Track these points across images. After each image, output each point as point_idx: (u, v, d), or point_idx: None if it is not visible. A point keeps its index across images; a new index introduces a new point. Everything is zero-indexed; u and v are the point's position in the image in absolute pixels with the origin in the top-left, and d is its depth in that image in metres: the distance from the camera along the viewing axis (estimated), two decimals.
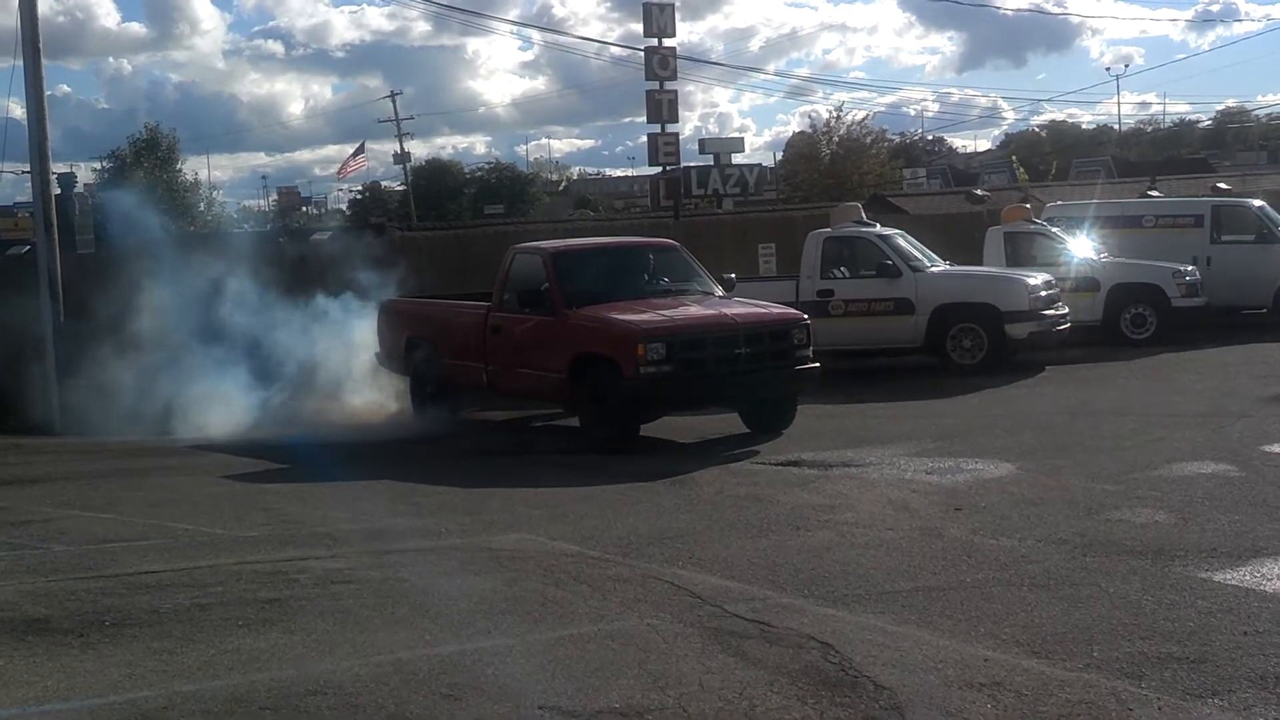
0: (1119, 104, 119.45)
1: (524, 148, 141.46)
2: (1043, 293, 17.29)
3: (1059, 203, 25.14)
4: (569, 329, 12.48)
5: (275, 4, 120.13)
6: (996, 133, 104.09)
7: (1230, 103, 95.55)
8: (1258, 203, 22.60)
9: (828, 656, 5.78)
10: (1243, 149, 75.14)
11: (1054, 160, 66.04)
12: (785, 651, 5.88)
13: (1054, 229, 20.82)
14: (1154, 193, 26.13)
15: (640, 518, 9.09)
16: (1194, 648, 5.73)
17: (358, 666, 5.88)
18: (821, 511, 9.00)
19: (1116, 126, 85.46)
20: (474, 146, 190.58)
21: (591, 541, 8.31)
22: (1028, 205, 23.18)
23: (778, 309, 13.02)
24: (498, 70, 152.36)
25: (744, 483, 10.34)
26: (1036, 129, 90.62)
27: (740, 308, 12.73)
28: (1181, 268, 19.72)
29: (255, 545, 8.58)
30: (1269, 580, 6.79)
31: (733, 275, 14.30)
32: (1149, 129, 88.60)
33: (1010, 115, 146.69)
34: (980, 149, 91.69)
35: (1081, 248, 20.32)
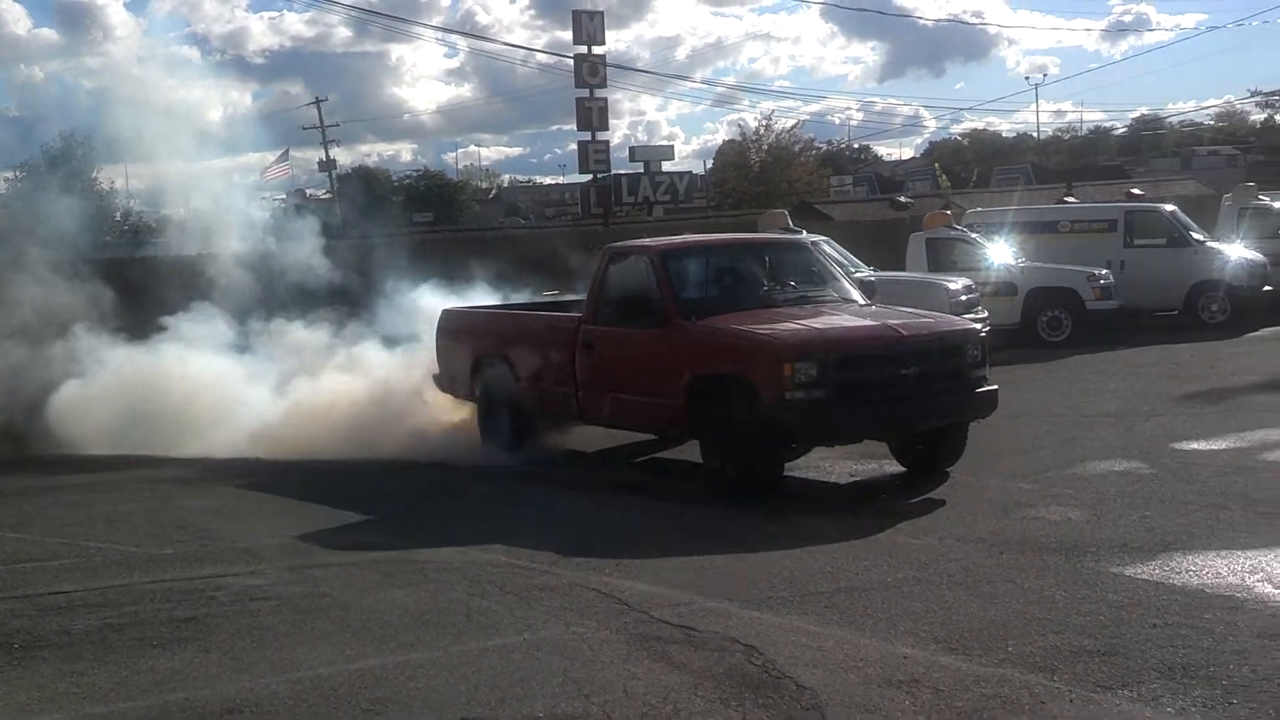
0: (1037, 112, 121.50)
1: (452, 155, 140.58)
2: (963, 297, 17.53)
3: (979, 209, 25.51)
4: (687, 344, 10.11)
5: (191, 10, 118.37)
6: (920, 141, 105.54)
7: (1144, 111, 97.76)
8: (1169, 208, 23.10)
9: (751, 659, 5.81)
10: (1157, 156, 76.75)
11: (975, 167, 67.02)
12: (710, 655, 5.91)
13: (974, 235, 21.14)
14: (1070, 199, 26.61)
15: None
16: (1105, 641, 5.85)
17: (275, 684, 5.81)
18: (733, 517, 9.07)
19: (1035, 134, 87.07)
20: (400, 154, 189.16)
21: (519, 551, 8.28)
22: (949, 212, 23.51)
23: (948, 319, 10.87)
24: (423, 77, 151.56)
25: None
26: (959, 137, 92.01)
27: (901, 317, 10.45)
28: (1096, 271, 20.11)
29: (171, 563, 8.42)
30: (1177, 574, 6.94)
31: (872, 277, 13.47)
32: (1066, 137, 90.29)
33: (932, 124, 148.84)
34: (905, 157, 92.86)
35: (1000, 253, 20.65)
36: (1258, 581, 6.73)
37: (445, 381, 13.04)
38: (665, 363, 10.22)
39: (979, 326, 10.60)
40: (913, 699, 5.28)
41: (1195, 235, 21.98)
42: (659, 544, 8.35)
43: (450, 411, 13.22)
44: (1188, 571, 6.99)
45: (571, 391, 11.25)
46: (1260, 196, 24.60)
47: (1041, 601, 6.53)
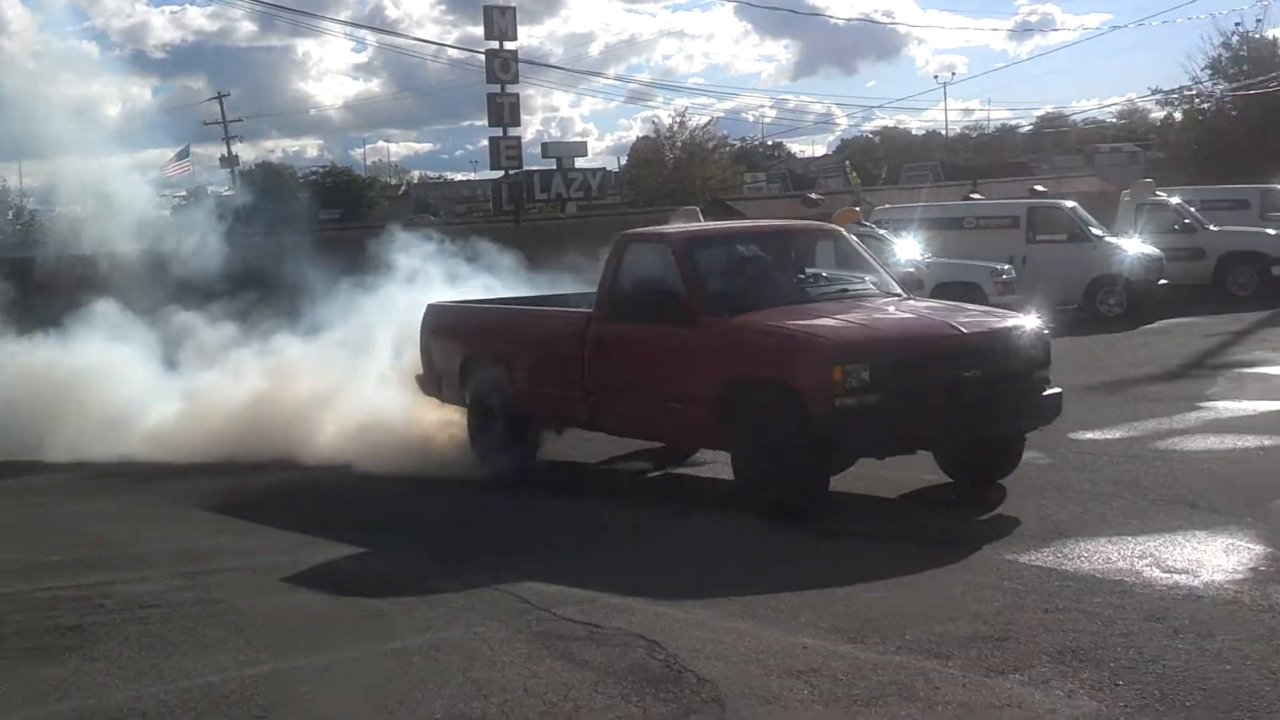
0: (945, 110, 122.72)
1: (360, 151, 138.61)
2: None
3: (888, 206, 25.82)
4: (718, 345, 8.94)
5: (91, 4, 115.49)
6: (833, 138, 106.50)
7: (1049, 109, 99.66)
8: (1070, 204, 23.55)
9: (654, 654, 5.81)
10: (1061, 153, 78.27)
11: (886, 165, 67.77)
12: (612, 651, 5.90)
13: (882, 231, 21.34)
14: (976, 195, 27.08)
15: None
16: (999, 627, 5.93)
17: (163, 693, 5.68)
18: (658, 517, 9.04)
19: (944, 132, 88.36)
20: (306, 150, 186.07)
21: (422, 553, 8.19)
22: (858, 209, 23.71)
23: (1011, 316, 9.67)
24: (330, 72, 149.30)
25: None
26: (870, 134, 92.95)
27: (959, 313, 9.47)
28: (999, 266, 20.42)
29: (58, 570, 8.19)
30: (1070, 560, 7.07)
31: (912, 268, 12.79)
32: (974, 134, 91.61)
33: (844, 121, 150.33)
34: (817, 154, 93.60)
35: (908, 249, 20.88)
36: (1146, 566, 6.87)
37: (431, 384, 11.69)
38: (692, 365, 9.07)
39: (1043, 323, 9.41)
40: (811, 688, 5.32)
41: (1095, 231, 22.42)
42: (569, 544, 8.31)
43: (410, 414, 11.93)
44: (1080, 558, 7.11)
45: (579, 396, 9.96)
46: (1157, 193, 25.19)
47: (939, 589, 6.61)
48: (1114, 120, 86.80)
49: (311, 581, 7.61)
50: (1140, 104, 77.62)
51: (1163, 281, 22.08)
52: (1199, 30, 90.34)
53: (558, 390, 10.22)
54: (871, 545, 7.76)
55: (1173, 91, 62.59)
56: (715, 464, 10.22)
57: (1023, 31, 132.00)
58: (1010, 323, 9.20)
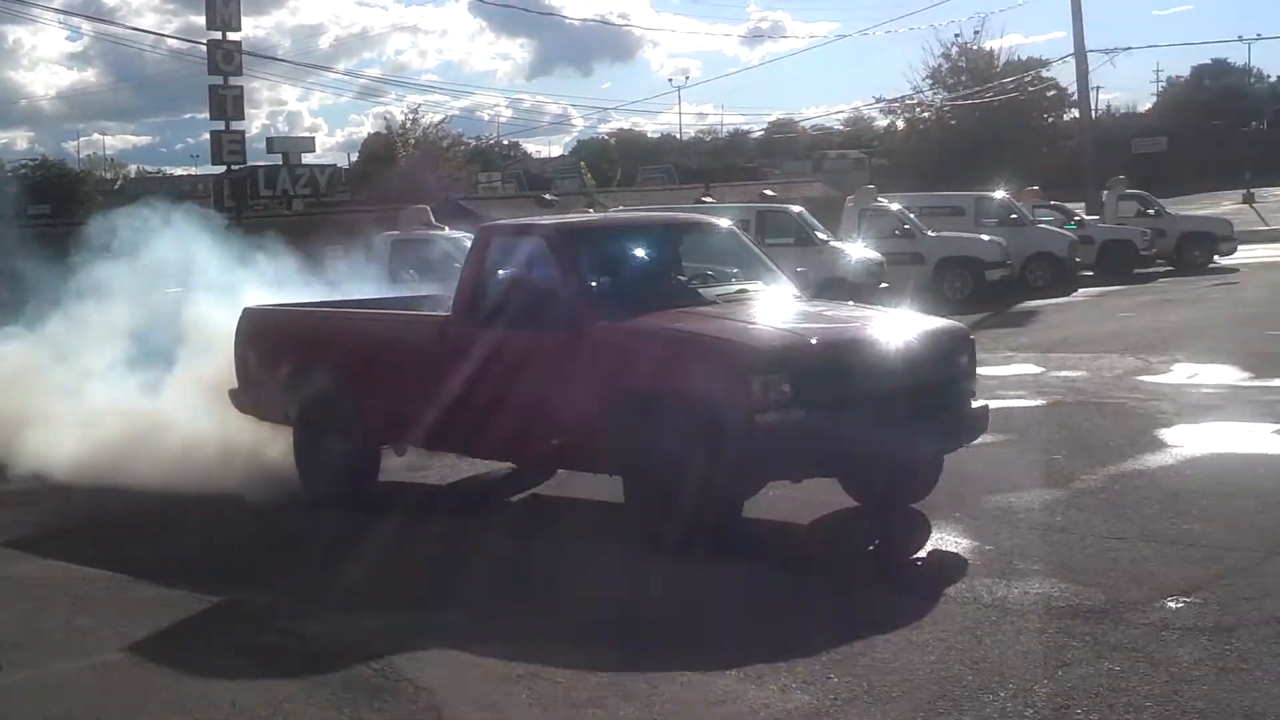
0: (680, 114, 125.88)
1: (74, 144, 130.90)
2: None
3: (621, 208, 26.23)
4: (608, 352, 7.69)
5: None
6: (569, 139, 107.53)
7: (780, 115, 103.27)
8: (797, 209, 24.42)
9: (370, 663, 5.68)
10: (791, 158, 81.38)
11: (621, 166, 68.93)
12: (327, 662, 5.73)
13: None
14: (708, 199, 27.78)
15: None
16: (716, 624, 6.09)
17: None
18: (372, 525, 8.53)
19: (678, 135, 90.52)
20: (15, 142, 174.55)
21: (125, 564, 7.74)
22: (590, 210, 24.03)
23: (936, 320, 8.51)
24: (43, 61, 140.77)
25: None
26: (606, 136, 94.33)
27: (881, 317, 8.37)
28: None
29: None
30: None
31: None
32: (708, 138, 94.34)
33: (580, 122, 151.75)
34: (554, 155, 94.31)
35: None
36: (855, 564, 7.20)
37: (248, 400, 10.12)
38: (575, 376, 7.78)
39: (968, 328, 8.59)
40: (530, 691, 5.30)
41: (820, 235, 23.33)
42: (292, 555, 8.00)
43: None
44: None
45: (433, 412, 8.43)
46: (879, 199, 26.47)
47: (673, 589, 6.61)
48: (841, 127, 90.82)
49: (11, 595, 7.22)
50: (866, 112, 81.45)
51: (884, 285, 23.20)
52: (921, 41, 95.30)
53: (406, 405, 8.68)
54: (592, 547, 7.70)
55: (895, 100, 66.30)
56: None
57: (754, 38, 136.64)
58: (939, 326, 8.20)
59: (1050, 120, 65.00)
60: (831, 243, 23.38)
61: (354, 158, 70.43)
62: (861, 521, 8.12)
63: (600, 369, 7.68)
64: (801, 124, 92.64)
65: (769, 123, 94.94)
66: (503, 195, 49.88)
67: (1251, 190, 48.62)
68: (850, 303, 10.51)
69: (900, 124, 67.97)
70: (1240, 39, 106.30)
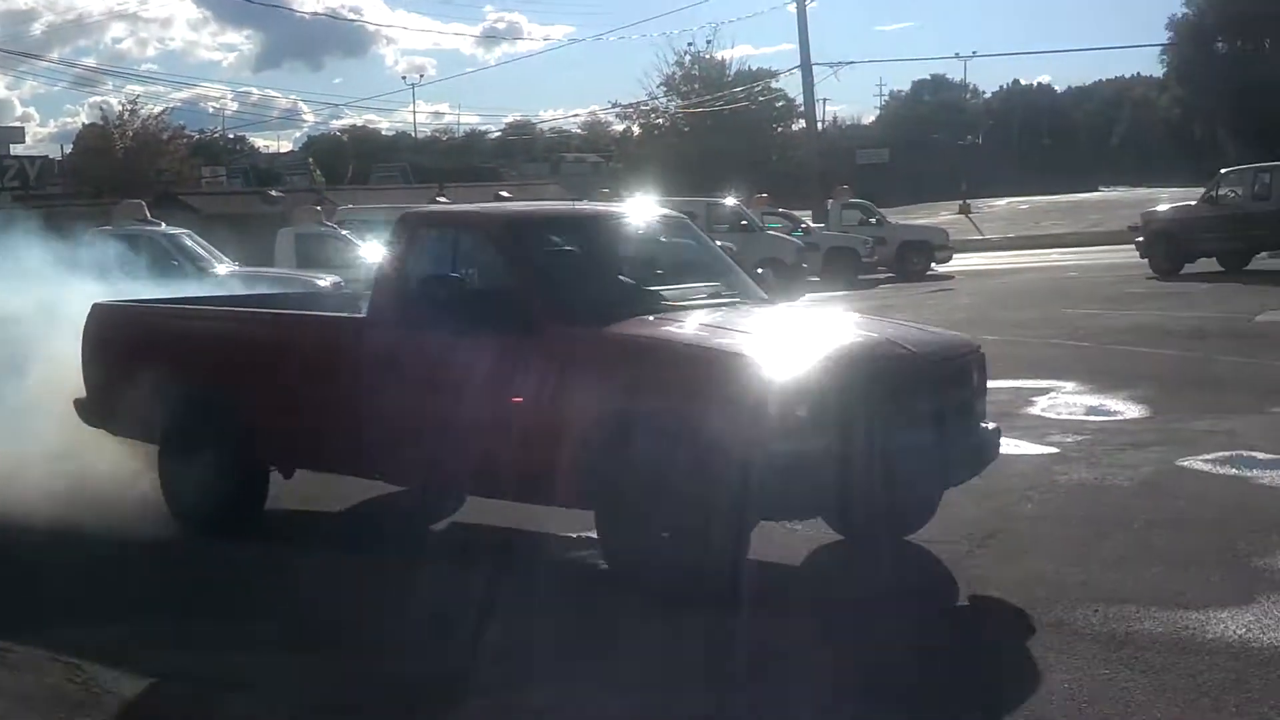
0: (414, 112, 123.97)
1: None
2: (330, 296, 17.50)
3: (349, 206, 25.78)
4: (581, 366, 6.49)
5: None
6: (299, 134, 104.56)
7: (517, 116, 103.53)
8: None
9: (72, 676, 5.45)
10: (529, 160, 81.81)
11: (353, 165, 67.61)
12: (27, 677, 5.49)
13: (345, 232, 21.25)
14: (442, 199, 27.59)
15: None
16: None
17: None
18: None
19: (414, 134, 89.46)
20: None
21: None
22: (319, 208, 23.49)
23: (946, 332, 7.67)
24: None
25: None
26: (338, 133, 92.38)
27: (890, 328, 7.32)
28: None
29: None
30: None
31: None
32: (445, 138, 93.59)
33: (310, 118, 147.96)
34: (283, 150, 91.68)
35: (372, 250, 20.90)
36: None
37: (101, 411, 8.65)
38: (536, 392, 6.48)
39: (977, 341, 7.49)
40: (249, 694, 5.21)
41: None
42: None
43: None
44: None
45: (343, 431, 7.29)
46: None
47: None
48: (579, 131, 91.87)
49: None
50: (603, 116, 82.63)
51: None
52: (655, 49, 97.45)
53: (308, 422, 7.50)
54: (309, 551, 7.56)
55: (630, 106, 67.57)
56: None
57: (489, 39, 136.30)
58: (952, 338, 7.30)
59: (779, 130, 67.69)
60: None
61: (68, 149, 66.44)
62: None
63: (570, 384, 6.45)
64: (539, 126, 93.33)
65: (506, 124, 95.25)
66: (226, 190, 48.12)
67: (967, 201, 51.37)
68: (867, 314, 9.64)
69: (636, 129, 69.28)
70: (957, 56, 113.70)
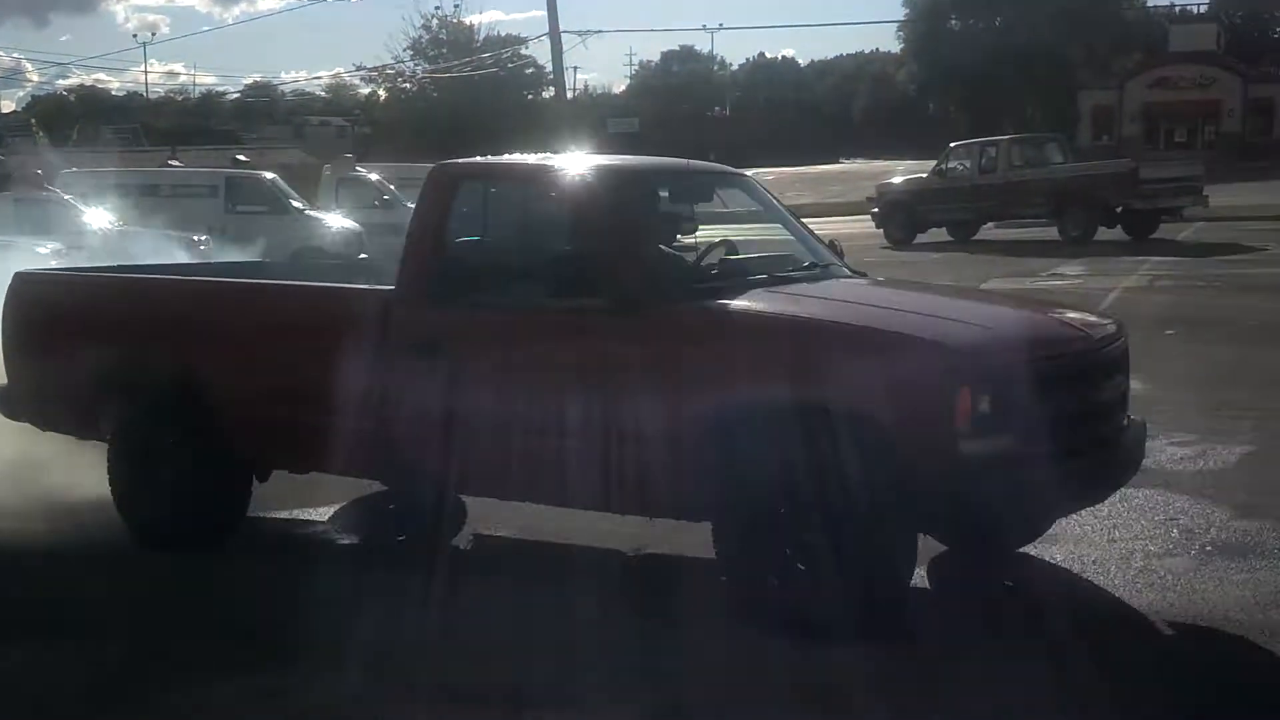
0: (146, 72, 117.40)
1: None
2: (52, 262, 16.43)
3: (74, 169, 24.23)
4: (697, 348, 5.32)
5: None
6: (23, 94, 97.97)
7: (257, 78, 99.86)
8: (270, 176, 23.70)
9: None
10: (271, 124, 79.00)
11: (81, 125, 63.77)
12: None
13: (68, 197, 19.95)
14: (175, 162, 26.35)
15: None
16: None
17: None
18: None
19: (146, 94, 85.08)
20: None
21: None
22: (39, 171, 21.98)
23: (1088, 314, 6.39)
24: None
25: None
26: (65, 93, 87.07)
27: (1047, 308, 6.26)
28: (196, 237, 19.99)
29: None
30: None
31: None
32: (180, 98, 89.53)
33: (35, 77, 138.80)
34: (5, 110, 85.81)
35: (97, 217, 19.70)
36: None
37: (28, 403, 7.17)
38: (637, 381, 5.34)
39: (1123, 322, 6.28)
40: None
41: (295, 203, 22.74)
42: None
43: None
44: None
45: (374, 431, 5.92)
46: (357, 169, 26.20)
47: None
48: (324, 94, 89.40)
49: None
50: (348, 79, 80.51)
51: (363, 256, 23.00)
52: (403, 11, 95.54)
53: (318, 418, 6.03)
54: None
55: (376, 70, 65.96)
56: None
57: None
58: (1100, 320, 6.07)
59: (530, 97, 67.49)
60: (308, 212, 22.87)
61: None
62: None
63: (683, 371, 5.32)
64: (280, 88, 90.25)
65: (245, 85, 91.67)
66: None
67: None
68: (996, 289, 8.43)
69: (383, 93, 67.81)
70: (705, 28, 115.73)
